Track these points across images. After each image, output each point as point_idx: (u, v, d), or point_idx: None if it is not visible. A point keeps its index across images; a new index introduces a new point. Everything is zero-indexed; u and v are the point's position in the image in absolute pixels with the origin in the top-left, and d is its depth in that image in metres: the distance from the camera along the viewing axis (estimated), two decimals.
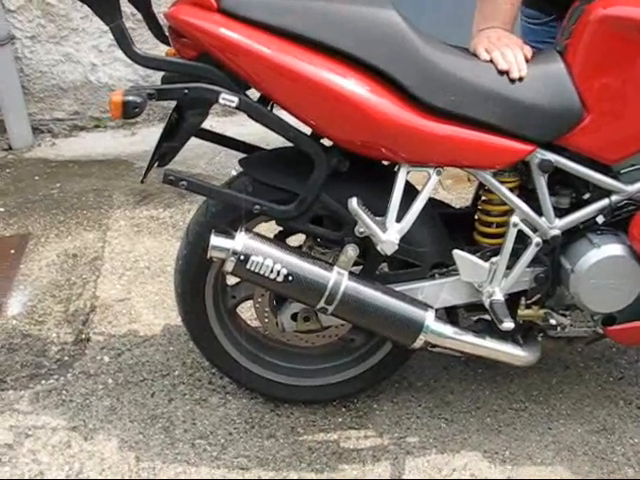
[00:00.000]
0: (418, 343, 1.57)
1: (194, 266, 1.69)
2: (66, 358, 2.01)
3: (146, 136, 3.25)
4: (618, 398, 1.89)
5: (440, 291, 1.65)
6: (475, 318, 1.76)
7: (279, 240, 1.67)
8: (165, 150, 1.58)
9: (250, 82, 1.46)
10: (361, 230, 1.55)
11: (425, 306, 1.58)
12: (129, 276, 2.35)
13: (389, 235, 1.51)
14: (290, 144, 1.53)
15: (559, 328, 1.69)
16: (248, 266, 1.49)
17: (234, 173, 1.70)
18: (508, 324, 1.53)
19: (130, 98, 1.36)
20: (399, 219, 1.53)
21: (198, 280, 1.70)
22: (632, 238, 1.58)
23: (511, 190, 1.59)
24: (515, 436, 1.78)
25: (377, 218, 1.53)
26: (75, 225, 2.62)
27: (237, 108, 1.44)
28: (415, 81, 1.43)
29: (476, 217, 1.72)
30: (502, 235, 1.65)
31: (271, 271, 1.49)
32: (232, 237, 1.51)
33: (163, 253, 2.47)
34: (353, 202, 1.50)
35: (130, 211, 2.72)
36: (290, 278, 1.50)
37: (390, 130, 1.45)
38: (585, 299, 1.61)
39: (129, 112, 1.37)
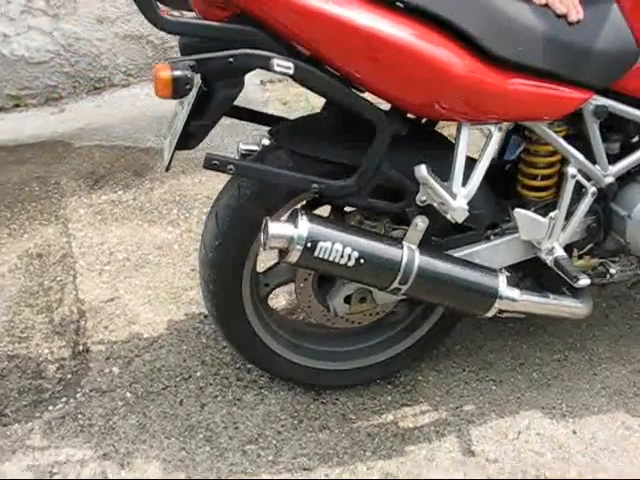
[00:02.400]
0: (492, 312, 1.48)
1: (230, 257, 1.50)
2: (69, 376, 1.76)
3: (76, 112, 2.90)
4: None
5: (496, 252, 1.56)
6: (520, 275, 1.70)
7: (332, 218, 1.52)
8: (193, 130, 1.36)
9: (296, 40, 1.27)
10: (423, 199, 1.43)
11: (494, 271, 1.49)
12: (110, 271, 2.10)
13: (459, 202, 1.39)
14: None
15: (609, 275, 1.66)
16: (316, 253, 1.32)
17: (263, 141, 1.55)
18: (584, 280, 1.47)
19: (179, 73, 1.15)
20: (463, 183, 1.42)
21: (235, 272, 1.52)
22: None
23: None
24: (565, 387, 1.76)
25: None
26: (28, 220, 2.30)
27: (292, 76, 1.25)
28: (484, 31, 1.30)
29: (518, 169, 1.63)
30: (547, 188, 1.59)
31: (341, 256, 1.34)
32: (292, 223, 1.33)
33: (139, 241, 2.23)
34: (422, 169, 1.36)
35: (86, 197, 2.42)
36: (362, 261, 1.35)
37: (455, 85, 1.32)
38: None
39: (180, 90, 1.15)
